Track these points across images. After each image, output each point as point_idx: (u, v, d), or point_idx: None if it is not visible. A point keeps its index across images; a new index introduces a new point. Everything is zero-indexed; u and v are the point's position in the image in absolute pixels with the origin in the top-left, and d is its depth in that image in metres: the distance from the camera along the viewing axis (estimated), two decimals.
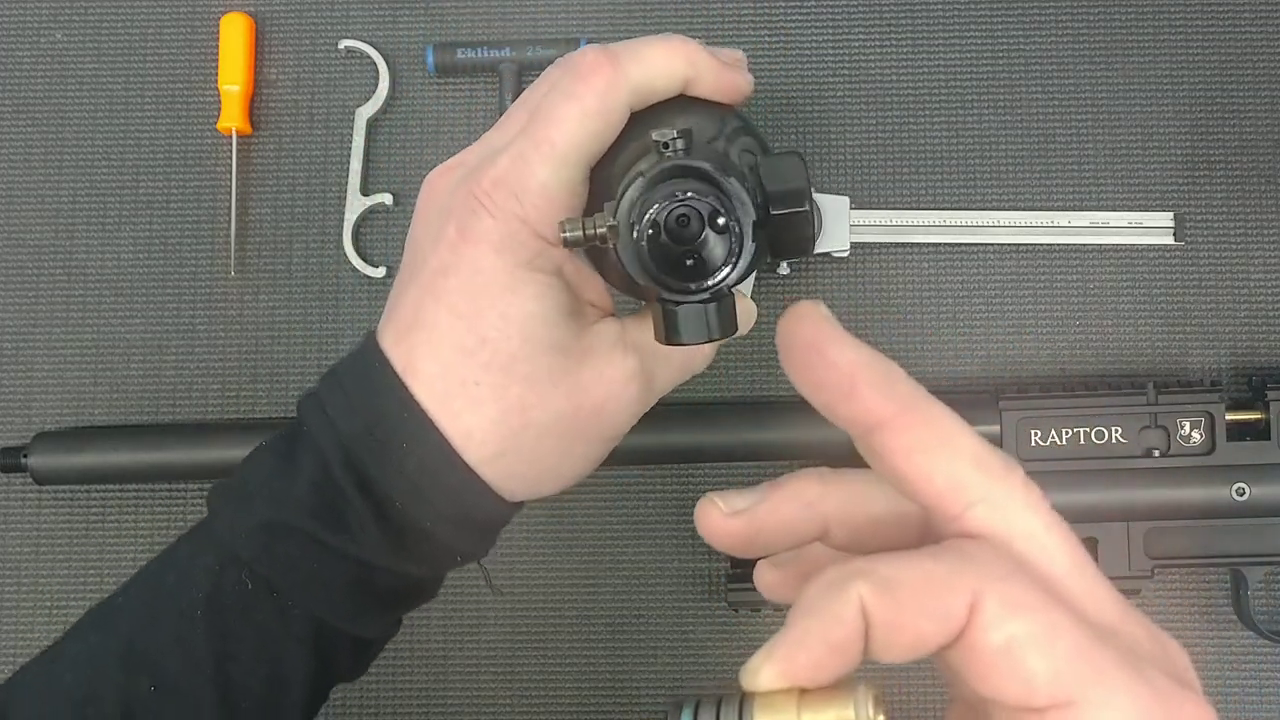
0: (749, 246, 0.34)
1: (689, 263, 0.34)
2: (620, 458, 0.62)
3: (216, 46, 0.66)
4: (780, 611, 0.61)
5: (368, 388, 0.41)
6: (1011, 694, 0.25)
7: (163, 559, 0.44)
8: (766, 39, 0.66)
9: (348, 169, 0.66)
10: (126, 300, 0.66)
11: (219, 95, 0.66)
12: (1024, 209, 0.65)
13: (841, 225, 0.63)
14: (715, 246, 0.34)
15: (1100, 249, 0.65)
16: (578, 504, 0.64)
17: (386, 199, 0.65)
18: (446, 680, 0.63)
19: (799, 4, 0.67)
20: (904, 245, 0.65)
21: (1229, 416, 0.58)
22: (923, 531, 0.29)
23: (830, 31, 0.67)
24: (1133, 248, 0.65)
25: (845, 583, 0.25)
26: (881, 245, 0.65)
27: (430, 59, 0.65)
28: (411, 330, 0.41)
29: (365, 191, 0.66)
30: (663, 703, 0.28)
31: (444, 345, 0.40)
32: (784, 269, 0.64)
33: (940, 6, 0.67)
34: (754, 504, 0.30)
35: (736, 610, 0.61)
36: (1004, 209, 0.65)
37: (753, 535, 0.30)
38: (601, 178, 0.41)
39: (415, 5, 0.67)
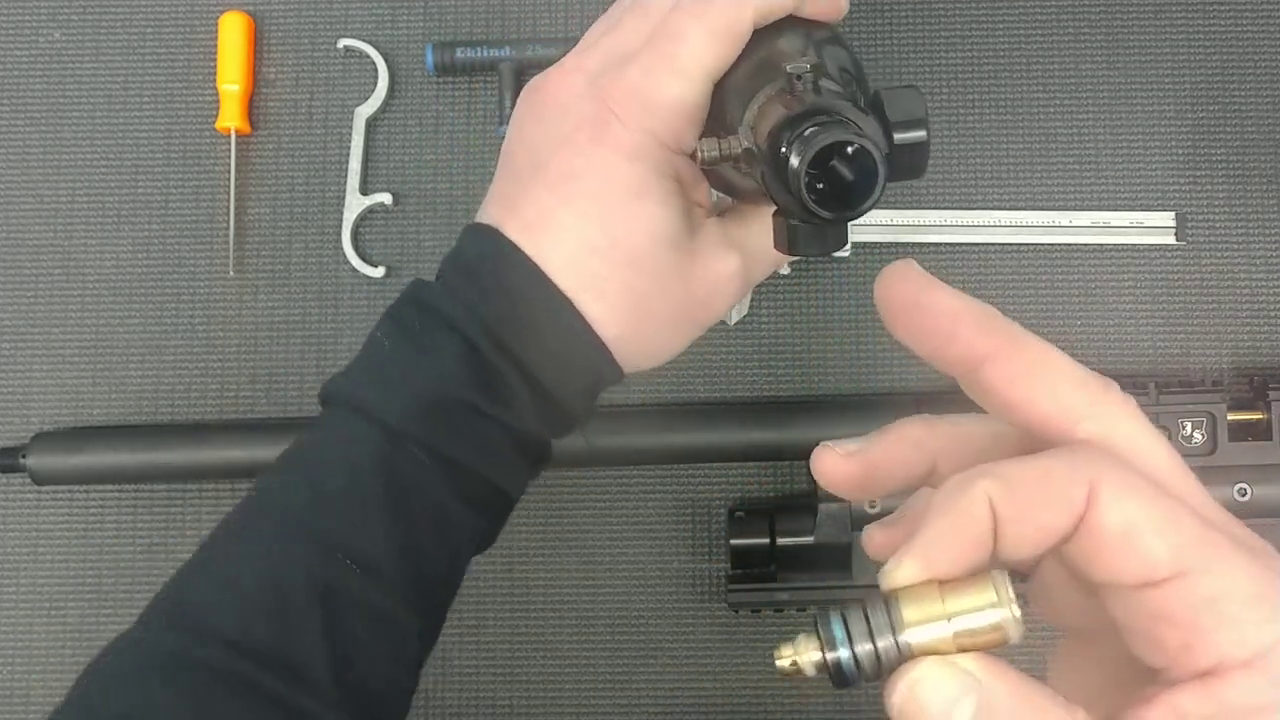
0: (883, 177, 0.37)
1: (819, 186, 0.37)
2: (620, 458, 0.63)
3: (215, 45, 0.66)
4: (780, 613, 0.61)
5: (506, 272, 0.43)
6: (1131, 572, 0.27)
7: (311, 453, 0.45)
8: None
9: (347, 168, 0.66)
10: (125, 300, 0.66)
11: (218, 94, 0.66)
12: (1025, 209, 0.65)
13: (842, 225, 0.63)
14: (852, 172, 0.37)
15: (1101, 249, 0.65)
16: (578, 504, 0.64)
17: (386, 199, 0.65)
18: (446, 680, 0.63)
19: None
20: (904, 245, 0.65)
21: (1230, 417, 0.58)
22: None
23: None
24: (1134, 247, 0.65)
25: (972, 482, 0.27)
26: (882, 245, 0.65)
27: (430, 58, 0.65)
28: (536, 227, 0.43)
29: (364, 191, 0.66)
30: (811, 614, 0.30)
31: (575, 243, 0.43)
32: (784, 269, 0.63)
33: (941, 6, 0.67)
34: (866, 446, 0.32)
35: (737, 611, 0.61)
36: (1005, 209, 0.65)
37: (867, 475, 0.32)
38: (718, 93, 0.44)
39: (415, 4, 0.67)
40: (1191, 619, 0.26)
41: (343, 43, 0.66)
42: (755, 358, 0.65)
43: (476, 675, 0.63)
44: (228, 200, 0.65)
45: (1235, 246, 0.65)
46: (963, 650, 0.27)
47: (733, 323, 0.64)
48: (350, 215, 0.65)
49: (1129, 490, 0.27)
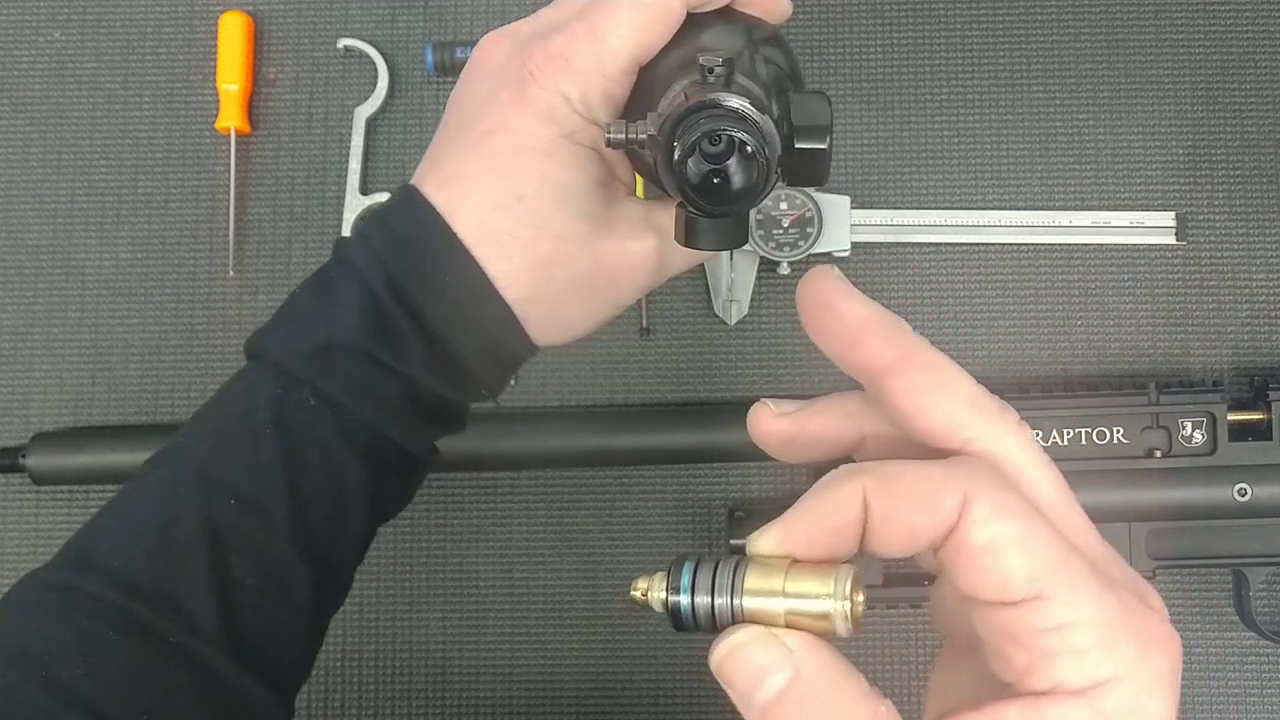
0: (773, 179, 0.37)
1: (715, 180, 0.37)
2: (620, 458, 0.63)
3: (215, 45, 0.66)
4: None
5: (414, 225, 0.44)
6: (989, 589, 0.27)
7: (217, 400, 0.46)
8: None
9: (347, 168, 0.66)
10: (125, 300, 0.66)
11: (218, 94, 0.66)
12: (1025, 208, 0.65)
13: (842, 225, 0.63)
14: (738, 169, 0.37)
15: (1102, 249, 0.65)
16: (578, 504, 0.64)
17: (386, 198, 0.65)
18: (446, 680, 0.63)
19: (800, 3, 0.66)
20: (904, 245, 0.65)
21: (1231, 417, 0.58)
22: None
23: (831, 30, 0.66)
24: (1134, 247, 0.65)
25: (850, 474, 0.29)
26: (882, 245, 0.65)
27: (429, 58, 0.65)
28: (453, 181, 0.44)
29: (364, 191, 0.66)
30: (666, 560, 0.32)
31: (483, 197, 0.44)
32: (784, 269, 0.63)
33: (940, 6, 0.66)
34: (801, 409, 0.33)
35: None
36: (1005, 209, 0.65)
37: (795, 435, 0.33)
38: (646, 80, 0.43)
39: (414, 4, 0.67)
40: (1037, 643, 0.27)
41: (343, 43, 0.66)
42: (755, 358, 0.65)
43: (476, 675, 0.63)
44: (228, 200, 0.65)
45: (1235, 246, 0.65)
46: (791, 628, 0.28)
47: (733, 323, 0.64)
48: (350, 215, 0.65)
49: (1000, 508, 0.27)
